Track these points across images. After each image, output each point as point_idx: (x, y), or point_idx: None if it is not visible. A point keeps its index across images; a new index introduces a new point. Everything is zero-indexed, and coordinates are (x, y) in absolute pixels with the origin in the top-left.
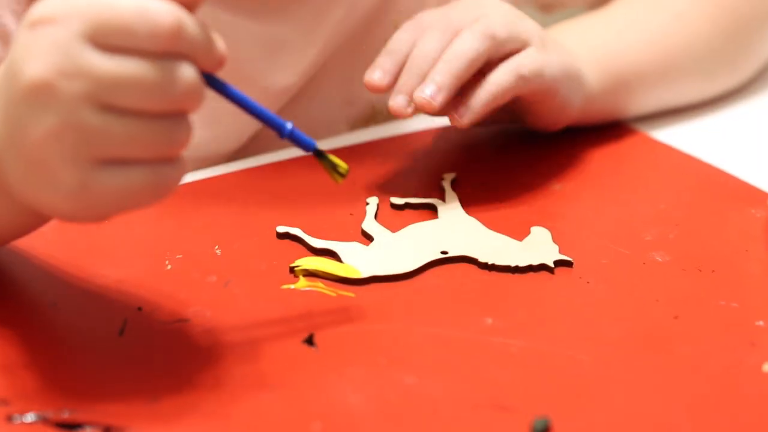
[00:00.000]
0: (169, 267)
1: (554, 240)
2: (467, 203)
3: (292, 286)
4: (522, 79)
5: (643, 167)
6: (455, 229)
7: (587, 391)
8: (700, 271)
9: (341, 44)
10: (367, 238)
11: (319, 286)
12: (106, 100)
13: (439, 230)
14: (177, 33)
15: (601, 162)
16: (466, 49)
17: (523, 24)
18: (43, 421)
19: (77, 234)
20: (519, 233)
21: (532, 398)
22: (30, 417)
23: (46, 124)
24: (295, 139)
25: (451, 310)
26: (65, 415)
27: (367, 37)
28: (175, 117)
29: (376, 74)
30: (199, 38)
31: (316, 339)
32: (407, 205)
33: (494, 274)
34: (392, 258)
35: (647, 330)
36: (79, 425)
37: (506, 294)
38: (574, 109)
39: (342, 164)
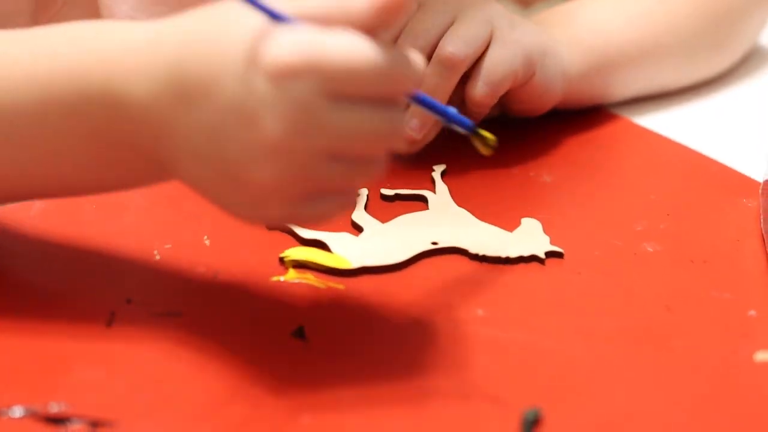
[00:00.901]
0: (157, 257)
1: (545, 231)
2: (457, 194)
3: (282, 278)
4: (496, 85)
5: (633, 157)
6: (445, 220)
7: (578, 382)
8: (692, 261)
9: None
10: (357, 228)
11: (309, 278)
12: (337, 151)
13: (430, 221)
14: (405, 77)
15: (591, 152)
16: (436, 93)
17: (488, 12)
18: (31, 415)
19: (65, 224)
20: (510, 224)
21: (522, 390)
22: (17, 411)
23: (275, 176)
24: (458, 122)
25: (441, 301)
26: (53, 409)
27: None
28: (379, 158)
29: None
30: (411, 77)
31: (306, 331)
32: (397, 196)
33: (485, 265)
34: (382, 249)
35: (639, 321)
36: (66, 419)
37: (497, 285)
38: (556, 90)
39: (491, 136)
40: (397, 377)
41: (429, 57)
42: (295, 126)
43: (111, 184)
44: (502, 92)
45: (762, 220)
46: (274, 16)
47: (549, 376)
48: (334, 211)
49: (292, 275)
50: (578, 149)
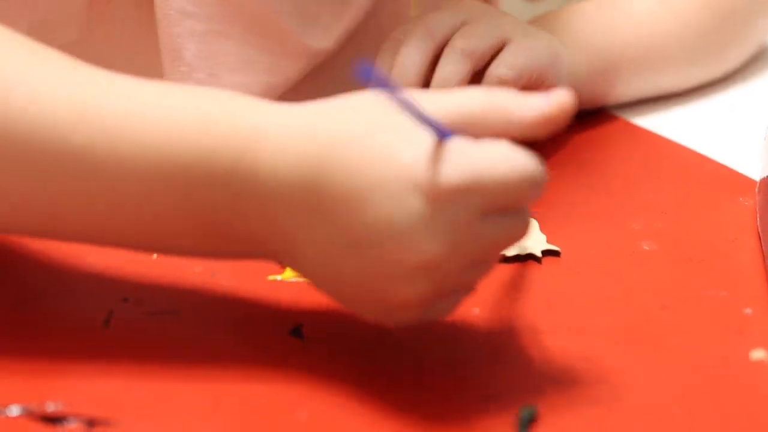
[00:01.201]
0: (155, 257)
1: (542, 230)
2: None
3: (279, 277)
4: (505, 84)
5: (630, 155)
6: None
7: (574, 380)
8: (689, 259)
9: (374, 11)
10: None
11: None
12: (481, 258)
13: None
14: (540, 187)
15: (588, 151)
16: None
17: (503, 19)
18: (28, 413)
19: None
20: None
21: (519, 387)
22: (14, 410)
23: (420, 292)
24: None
25: None
26: (50, 408)
27: (389, 12)
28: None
29: None
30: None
31: (304, 330)
32: None
33: None
34: None
35: (635, 319)
36: (63, 418)
37: (493, 283)
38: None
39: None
40: (394, 375)
41: (438, 54)
42: (452, 245)
43: (202, 253)
44: (524, 79)
45: (758, 219)
46: (436, 129)
47: (545, 374)
48: (454, 307)
49: (289, 274)
50: (575, 148)
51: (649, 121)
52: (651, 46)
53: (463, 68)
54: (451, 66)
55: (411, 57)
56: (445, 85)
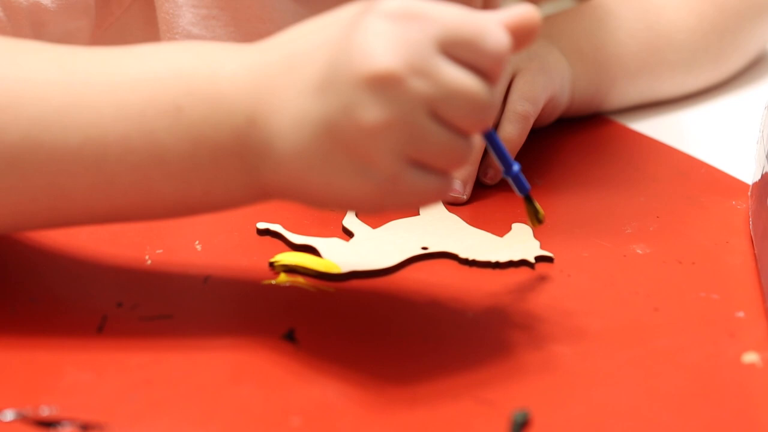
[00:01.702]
0: (149, 262)
1: (535, 236)
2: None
3: (273, 282)
4: (528, 118)
5: (623, 159)
6: (436, 225)
7: (568, 383)
8: (681, 263)
9: None
10: (348, 234)
11: (299, 281)
12: (440, 107)
13: (420, 226)
14: (504, 58)
15: (581, 155)
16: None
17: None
18: (22, 418)
19: (58, 229)
20: (500, 229)
21: (512, 391)
22: (8, 415)
23: (384, 115)
24: (516, 180)
25: (430, 304)
26: (44, 413)
27: None
28: (468, 136)
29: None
30: (504, 71)
31: (296, 334)
32: None
33: (475, 269)
34: (372, 254)
35: (627, 322)
36: (57, 422)
37: (486, 288)
38: (563, 104)
39: (541, 211)
40: (387, 379)
41: None
42: (407, 61)
43: (209, 202)
44: (542, 105)
45: (751, 222)
46: None
47: (538, 378)
48: (430, 189)
49: (282, 279)
50: (568, 152)
51: (644, 125)
52: (647, 54)
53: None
54: None
55: None
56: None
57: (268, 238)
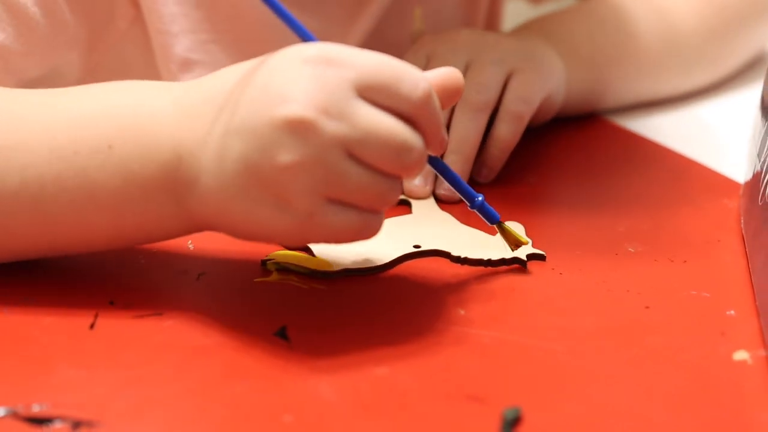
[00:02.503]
0: (141, 261)
1: (528, 234)
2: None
3: (265, 280)
4: (522, 119)
5: (616, 158)
6: (429, 223)
7: (559, 381)
8: (673, 261)
9: (373, 35)
10: None
11: (292, 279)
12: (355, 149)
13: (413, 225)
14: (426, 102)
15: (574, 154)
16: (469, 135)
17: (503, 48)
18: (13, 415)
19: None
20: (492, 228)
21: (504, 389)
22: (0, 411)
23: (297, 155)
24: (482, 210)
25: (423, 301)
26: (35, 410)
27: (393, 28)
28: (395, 179)
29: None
30: (436, 116)
31: (289, 331)
32: None
33: (467, 267)
34: (365, 252)
35: (619, 320)
36: (49, 420)
37: (479, 286)
38: (558, 104)
39: (523, 239)
40: (379, 377)
41: (451, 109)
42: (322, 105)
43: (143, 234)
44: (537, 105)
45: (742, 221)
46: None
47: (529, 375)
48: (350, 226)
49: (275, 278)
50: (562, 151)
51: (637, 124)
52: (644, 56)
53: (479, 123)
54: (466, 123)
55: None
56: (465, 142)
57: None
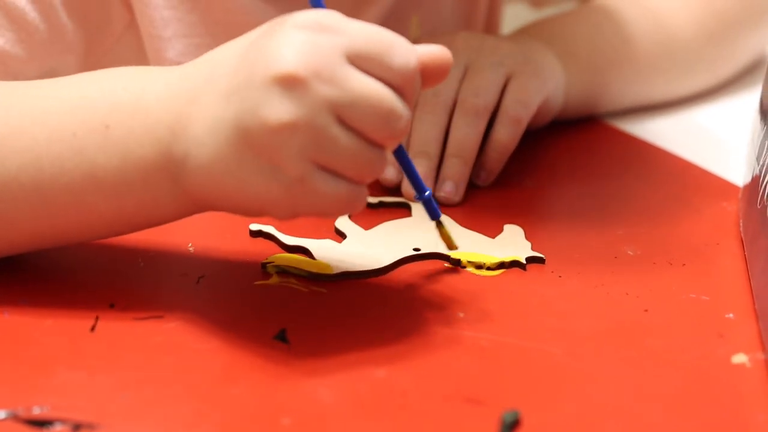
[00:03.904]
0: (141, 264)
1: (527, 237)
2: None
3: (265, 283)
4: (520, 122)
5: (615, 161)
6: (428, 227)
7: (558, 383)
8: (671, 264)
9: None
10: (340, 235)
11: (291, 281)
12: (345, 113)
13: (412, 228)
14: (414, 75)
15: (573, 157)
16: (469, 138)
17: (501, 51)
18: (14, 417)
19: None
20: (492, 231)
21: (502, 391)
22: (1, 413)
23: (288, 114)
24: (427, 205)
25: (422, 304)
26: (36, 412)
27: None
28: (381, 149)
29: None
30: (417, 91)
31: (288, 334)
32: (381, 204)
33: (466, 270)
34: (364, 255)
35: (618, 323)
36: (49, 422)
37: (478, 289)
38: (557, 107)
39: (454, 244)
40: (378, 379)
41: (450, 112)
42: (314, 66)
43: (143, 216)
44: (535, 108)
45: (741, 224)
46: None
47: (528, 377)
48: (339, 196)
49: (274, 281)
50: (561, 155)
51: (636, 127)
52: (643, 60)
53: (478, 127)
54: (466, 128)
55: (428, 132)
56: (464, 146)
57: (260, 239)
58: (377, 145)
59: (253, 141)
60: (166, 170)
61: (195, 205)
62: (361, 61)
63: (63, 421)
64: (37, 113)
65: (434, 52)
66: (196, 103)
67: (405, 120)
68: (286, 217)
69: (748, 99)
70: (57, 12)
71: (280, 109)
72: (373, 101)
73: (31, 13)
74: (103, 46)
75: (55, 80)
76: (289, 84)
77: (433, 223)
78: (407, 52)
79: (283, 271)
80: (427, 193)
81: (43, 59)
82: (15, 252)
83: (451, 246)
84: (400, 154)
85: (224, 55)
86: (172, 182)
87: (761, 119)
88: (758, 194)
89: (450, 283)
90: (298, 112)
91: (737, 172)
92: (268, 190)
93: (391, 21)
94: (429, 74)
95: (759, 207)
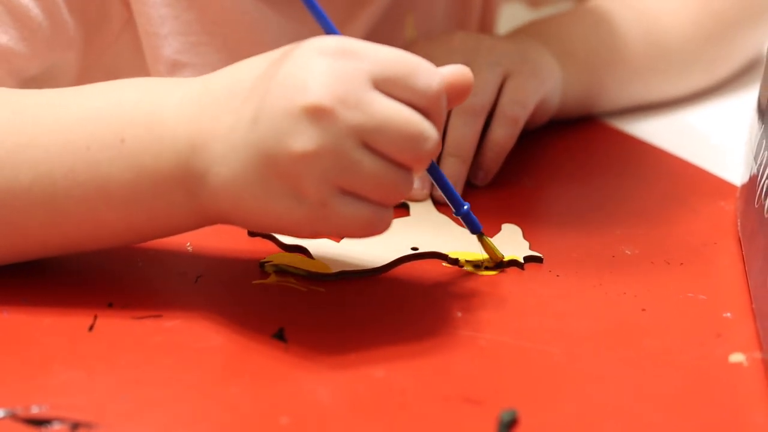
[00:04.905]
0: (140, 263)
1: (525, 236)
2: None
3: (263, 282)
4: (518, 122)
5: (612, 161)
6: (426, 226)
7: (556, 383)
8: (669, 263)
9: (370, 35)
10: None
11: (290, 281)
12: (372, 137)
13: (410, 227)
14: (440, 96)
15: (571, 156)
16: (466, 138)
17: (498, 51)
18: (12, 416)
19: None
20: (490, 230)
21: (500, 391)
22: None
23: (312, 143)
24: (467, 219)
25: (420, 304)
26: (34, 411)
27: (386, 36)
28: (408, 171)
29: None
30: (444, 112)
31: (286, 333)
32: None
33: (464, 270)
34: (362, 254)
35: (615, 323)
36: (47, 421)
37: (476, 288)
38: (554, 107)
39: (498, 254)
40: (376, 379)
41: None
42: (339, 94)
43: (155, 228)
44: (533, 108)
45: (739, 223)
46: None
47: (526, 377)
48: (362, 219)
49: (273, 280)
50: (558, 154)
51: (633, 127)
52: (640, 60)
53: (475, 126)
54: (463, 128)
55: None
56: (461, 145)
57: (258, 238)
58: (404, 168)
59: (277, 167)
60: (183, 183)
61: (209, 219)
62: (385, 86)
63: (61, 420)
64: (51, 125)
65: (457, 71)
66: (218, 121)
67: (433, 142)
68: (307, 236)
69: (746, 98)
70: (59, 9)
71: (306, 139)
72: (400, 125)
73: (34, 9)
74: (103, 43)
75: (66, 90)
76: (316, 115)
77: (431, 222)
78: (431, 74)
79: (282, 271)
80: (465, 208)
81: (45, 56)
82: (25, 259)
83: (495, 257)
84: (434, 172)
85: (244, 74)
86: (188, 195)
87: (759, 118)
88: (756, 193)
89: (448, 283)
90: (323, 141)
91: (735, 171)
92: (290, 213)
93: (385, 22)
94: (453, 93)
95: (756, 206)
